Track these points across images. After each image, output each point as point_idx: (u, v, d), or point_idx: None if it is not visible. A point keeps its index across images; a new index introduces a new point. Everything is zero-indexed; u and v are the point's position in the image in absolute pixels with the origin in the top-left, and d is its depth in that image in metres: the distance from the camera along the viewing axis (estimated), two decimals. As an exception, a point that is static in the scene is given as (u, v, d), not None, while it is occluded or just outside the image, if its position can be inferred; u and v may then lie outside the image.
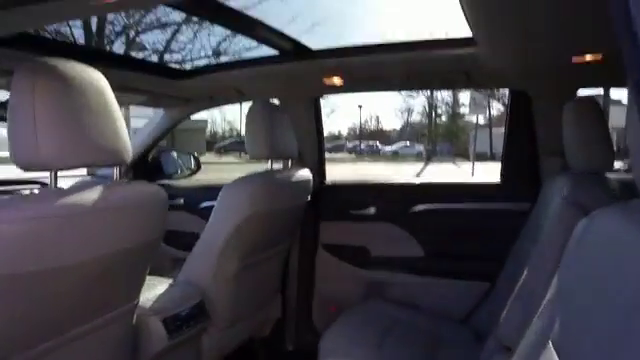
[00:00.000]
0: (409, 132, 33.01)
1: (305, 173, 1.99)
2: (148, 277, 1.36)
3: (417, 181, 2.48)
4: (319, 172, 2.35)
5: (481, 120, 22.44)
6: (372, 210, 2.27)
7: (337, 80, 2.01)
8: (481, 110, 19.87)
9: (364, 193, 2.36)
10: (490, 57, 1.58)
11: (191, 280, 1.71)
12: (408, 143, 29.87)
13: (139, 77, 1.93)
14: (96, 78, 1.05)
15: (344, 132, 36.92)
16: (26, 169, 0.95)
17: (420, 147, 28.53)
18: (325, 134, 2.47)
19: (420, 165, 21.15)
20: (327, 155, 2.48)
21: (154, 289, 1.58)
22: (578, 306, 0.56)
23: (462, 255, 2.12)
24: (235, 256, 1.71)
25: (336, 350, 1.61)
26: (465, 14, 1.18)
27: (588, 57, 1.47)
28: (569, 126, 1.43)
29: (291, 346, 2.34)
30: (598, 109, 1.40)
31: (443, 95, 29.12)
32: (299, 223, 2.15)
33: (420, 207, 2.19)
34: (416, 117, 33.04)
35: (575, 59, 1.50)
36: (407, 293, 2.13)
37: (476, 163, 16.19)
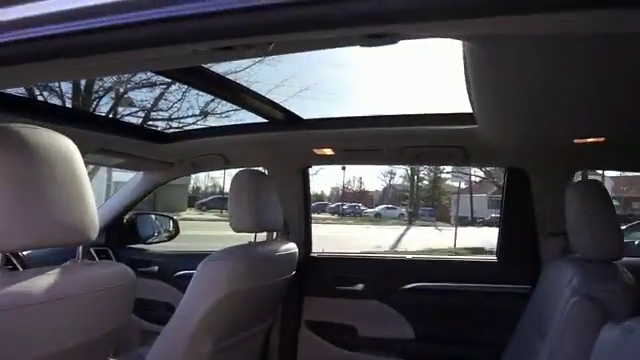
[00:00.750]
0: (391, 194, 33.24)
1: (290, 246, 1.88)
2: (110, 359, 1.19)
3: (408, 256, 2.38)
4: (305, 243, 2.23)
5: (462, 185, 22.93)
6: (360, 286, 2.14)
7: (328, 151, 1.95)
8: (463, 176, 20.35)
9: (352, 267, 2.24)
10: (490, 135, 1.54)
11: None
12: (390, 205, 29.98)
13: (119, 140, 1.84)
14: (65, 145, 0.94)
15: (327, 192, 37.03)
16: None
17: (402, 210, 28.64)
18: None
19: (402, 228, 21.13)
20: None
21: None
22: None
23: (456, 339, 1.99)
24: (210, 336, 1.56)
25: None
26: (469, 93, 1.14)
27: (590, 139, 1.44)
28: (573, 209, 1.35)
29: None
30: (604, 191, 1.33)
31: (425, 159, 29.49)
32: (282, 299, 2.00)
33: (411, 285, 2.07)
34: (398, 180, 33.41)
35: (577, 141, 1.46)
36: None
37: (458, 228, 16.22)
